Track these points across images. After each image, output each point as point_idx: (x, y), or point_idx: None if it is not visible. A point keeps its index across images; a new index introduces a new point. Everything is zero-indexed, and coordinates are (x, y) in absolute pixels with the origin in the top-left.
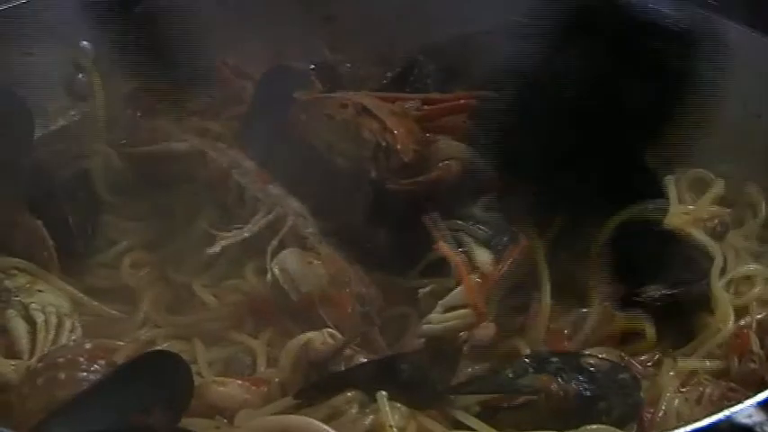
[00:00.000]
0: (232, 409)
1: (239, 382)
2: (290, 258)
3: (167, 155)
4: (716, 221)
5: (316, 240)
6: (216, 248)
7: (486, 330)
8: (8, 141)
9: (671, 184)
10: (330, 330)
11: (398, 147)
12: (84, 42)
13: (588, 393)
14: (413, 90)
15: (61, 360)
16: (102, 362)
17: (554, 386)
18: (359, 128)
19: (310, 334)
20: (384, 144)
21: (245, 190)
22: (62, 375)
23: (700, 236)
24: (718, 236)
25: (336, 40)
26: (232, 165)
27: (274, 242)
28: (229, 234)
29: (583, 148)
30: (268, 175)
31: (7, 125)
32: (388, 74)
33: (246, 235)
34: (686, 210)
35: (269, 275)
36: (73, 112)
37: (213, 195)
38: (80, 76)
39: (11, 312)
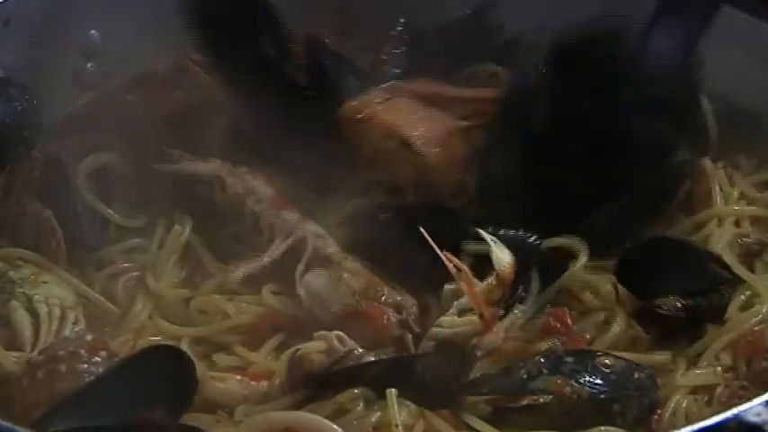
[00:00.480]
0: (230, 405)
1: (238, 377)
2: (315, 280)
3: (189, 176)
4: (753, 239)
5: (341, 257)
6: (237, 275)
7: (494, 336)
8: (16, 131)
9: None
10: (339, 334)
11: (439, 185)
12: (93, 31)
13: (602, 396)
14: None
15: (62, 352)
16: (104, 353)
17: (567, 389)
18: (400, 163)
19: (305, 345)
20: (424, 182)
21: (261, 217)
22: (63, 368)
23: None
24: (754, 253)
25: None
26: (247, 192)
27: (300, 266)
28: (249, 262)
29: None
30: (284, 199)
31: (15, 115)
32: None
33: (267, 261)
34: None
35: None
36: (82, 102)
37: (228, 220)
38: (89, 65)
39: (14, 304)
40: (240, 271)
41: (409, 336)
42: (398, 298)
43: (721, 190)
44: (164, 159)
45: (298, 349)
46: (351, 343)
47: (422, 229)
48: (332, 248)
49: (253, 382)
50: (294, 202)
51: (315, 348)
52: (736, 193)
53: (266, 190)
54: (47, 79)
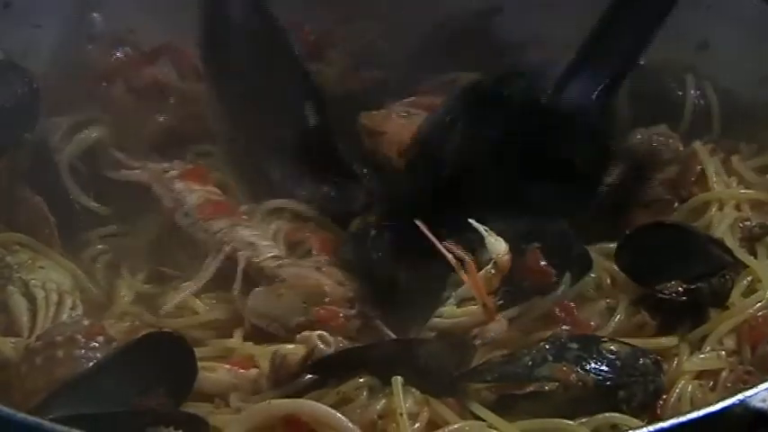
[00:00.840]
0: (219, 394)
1: (227, 366)
2: (260, 301)
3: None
4: (755, 223)
5: (274, 266)
6: (171, 305)
7: (497, 326)
8: (13, 116)
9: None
10: (321, 333)
11: None
12: (95, 14)
13: (608, 383)
14: None
15: (59, 338)
16: (101, 338)
17: (573, 376)
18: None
19: (288, 347)
20: None
21: (190, 233)
22: (60, 353)
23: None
24: (756, 237)
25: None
26: (175, 205)
27: (236, 287)
28: (188, 284)
29: None
30: (211, 205)
31: (13, 99)
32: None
33: (204, 281)
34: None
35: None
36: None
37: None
38: (90, 48)
39: (11, 289)
40: (173, 301)
41: (376, 321)
42: (342, 290)
43: (717, 175)
44: (114, 165)
45: (281, 348)
46: (333, 340)
47: (418, 222)
48: (262, 257)
49: (241, 371)
50: (226, 203)
51: (298, 351)
52: (734, 181)
53: (193, 198)
54: (47, 63)
